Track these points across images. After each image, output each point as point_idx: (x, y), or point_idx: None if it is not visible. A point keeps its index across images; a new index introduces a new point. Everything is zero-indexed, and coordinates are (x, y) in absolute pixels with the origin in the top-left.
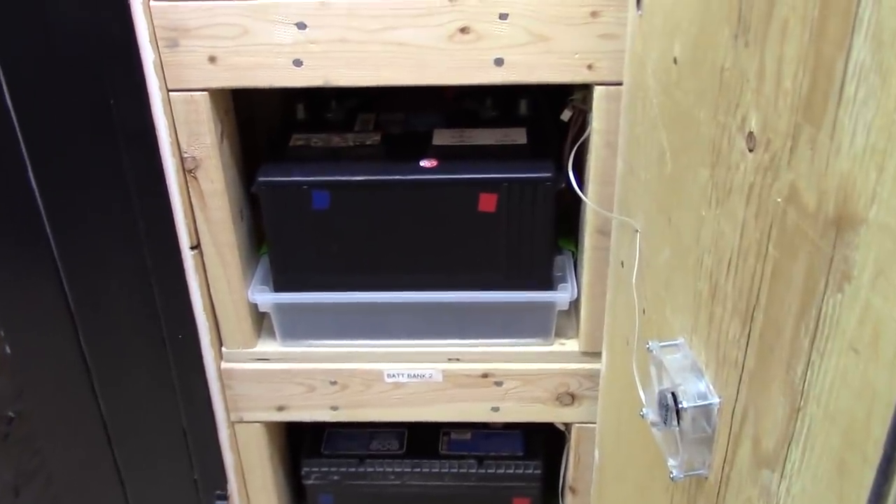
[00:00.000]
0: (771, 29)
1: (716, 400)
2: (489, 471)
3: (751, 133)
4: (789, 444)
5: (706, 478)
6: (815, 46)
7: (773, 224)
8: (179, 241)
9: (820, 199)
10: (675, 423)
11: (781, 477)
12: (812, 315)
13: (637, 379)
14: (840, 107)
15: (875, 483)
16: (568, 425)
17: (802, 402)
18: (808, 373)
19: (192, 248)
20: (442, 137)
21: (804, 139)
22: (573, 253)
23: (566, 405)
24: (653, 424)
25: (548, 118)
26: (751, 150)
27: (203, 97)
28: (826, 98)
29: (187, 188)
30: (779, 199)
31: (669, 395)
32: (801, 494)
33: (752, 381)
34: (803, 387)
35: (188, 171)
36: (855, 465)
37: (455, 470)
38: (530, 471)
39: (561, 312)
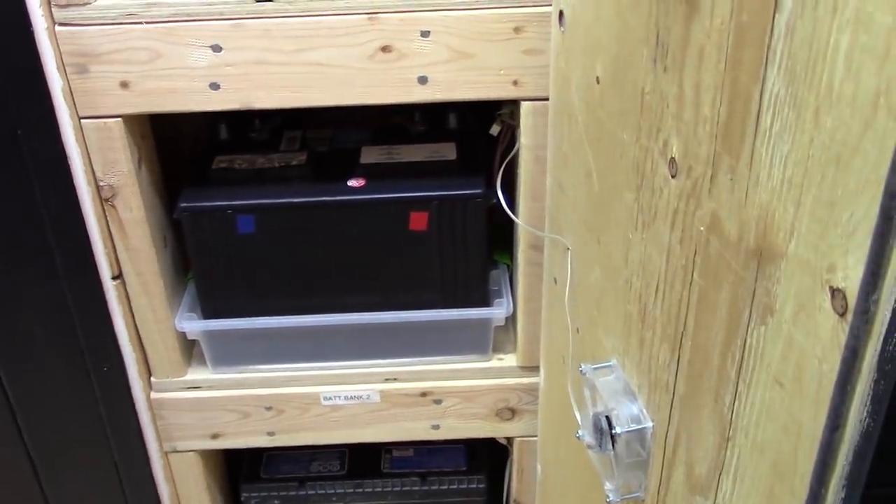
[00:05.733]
0: (688, 54)
1: (649, 424)
2: (433, 487)
3: (672, 159)
4: (720, 474)
5: (643, 500)
6: (732, 75)
7: (698, 252)
8: (100, 271)
9: (741, 229)
10: (609, 447)
11: None
12: (738, 345)
13: (572, 399)
14: (757, 138)
15: None
16: (510, 439)
17: (731, 433)
18: (736, 403)
19: (114, 278)
20: (370, 155)
21: (724, 168)
22: (508, 266)
23: (506, 420)
24: (589, 447)
25: (477, 132)
26: (673, 177)
27: (117, 124)
28: (743, 128)
29: (105, 217)
30: (702, 228)
31: (604, 419)
32: None
33: (683, 407)
34: (731, 417)
35: (105, 199)
36: (784, 499)
37: (398, 488)
38: (474, 485)
39: (498, 327)
